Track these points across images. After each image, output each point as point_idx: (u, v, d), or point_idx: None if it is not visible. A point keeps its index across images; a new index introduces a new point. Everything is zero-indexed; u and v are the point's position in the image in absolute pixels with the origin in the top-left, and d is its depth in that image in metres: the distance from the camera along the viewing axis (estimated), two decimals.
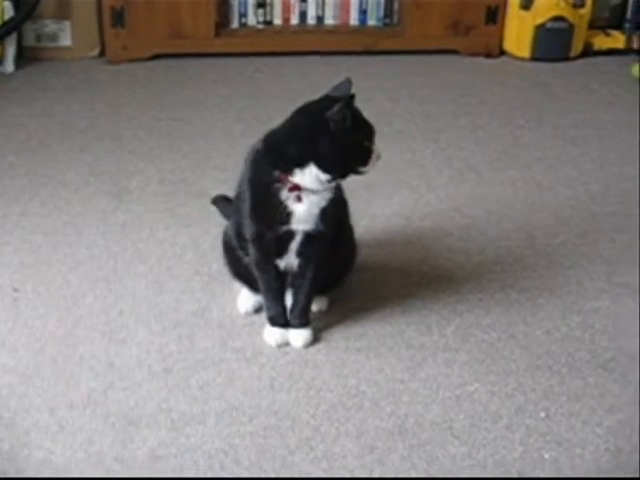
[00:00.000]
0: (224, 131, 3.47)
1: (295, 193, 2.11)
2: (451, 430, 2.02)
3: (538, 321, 2.40)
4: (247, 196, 2.16)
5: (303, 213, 2.13)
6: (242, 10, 4.24)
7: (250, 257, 2.25)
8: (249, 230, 2.19)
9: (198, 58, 4.14)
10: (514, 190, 3.10)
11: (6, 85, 3.84)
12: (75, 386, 2.11)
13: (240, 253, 2.30)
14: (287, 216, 2.13)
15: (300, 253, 2.21)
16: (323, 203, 2.14)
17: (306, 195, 2.12)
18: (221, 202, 2.61)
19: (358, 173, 2.13)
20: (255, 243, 2.20)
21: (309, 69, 4.06)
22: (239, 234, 2.27)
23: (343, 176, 2.13)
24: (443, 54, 4.29)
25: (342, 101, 2.03)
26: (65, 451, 1.93)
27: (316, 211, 2.14)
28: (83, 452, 1.93)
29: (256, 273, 2.25)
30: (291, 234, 2.17)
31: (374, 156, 2.13)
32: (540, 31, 4.23)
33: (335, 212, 2.18)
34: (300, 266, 2.23)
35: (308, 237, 2.17)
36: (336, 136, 2.05)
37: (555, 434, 2.02)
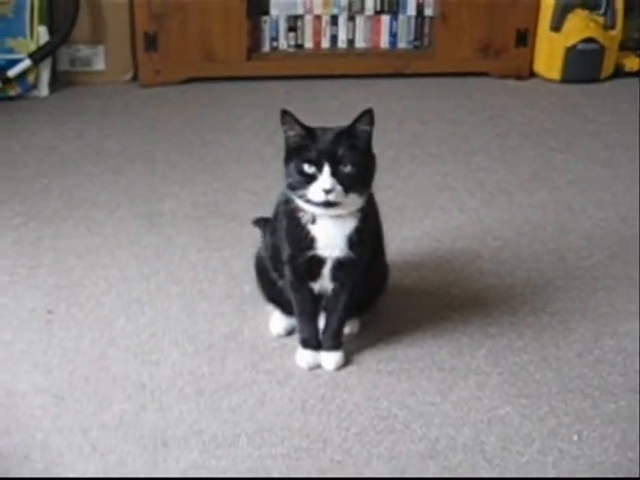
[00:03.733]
0: (256, 154, 3.48)
1: (310, 214, 2.13)
2: (483, 453, 2.01)
3: (570, 344, 2.39)
4: (283, 217, 2.18)
5: (324, 238, 2.14)
6: (273, 34, 4.28)
7: (285, 279, 2.25)
8: (285, 251, 2.20)
9: (230, 82, 4.17)
10: (545, 212, 3.09)
11: (41, 109, 3.89)
12: (108, 407, 2.13)
13: (274, 275, 2.31)
14: (311, 241, 2.14)
15: (334, 278, 2.21)
16: (347, 230, 2.14)
17: (320, 218, 2.12)
18: (262, 224, 2.55)
19: (304, 200, 2.09)
20: (290, 265, 2.20)
21: (340, 92, 4.07)
22: (274, 255, 2.28)
23: (290, 199, 2.12)
24: (473, 76, 4.29)
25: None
26: (97, 472, 1.94)
27: (340, 237, 2.14)
28: (115, 473, 1.93)
29: (291, 295, 2.25)
30: (320, 259, 2.17)
31: (316, 186, 2.06)
32: (571, 53, 4.23)
33: (366, 240, 2.17)
34: (334, 290, 2.23)
35: (340, 263, 2.17)
36: (285, 148, 2.14)
37: (588, 457, 2.00)
